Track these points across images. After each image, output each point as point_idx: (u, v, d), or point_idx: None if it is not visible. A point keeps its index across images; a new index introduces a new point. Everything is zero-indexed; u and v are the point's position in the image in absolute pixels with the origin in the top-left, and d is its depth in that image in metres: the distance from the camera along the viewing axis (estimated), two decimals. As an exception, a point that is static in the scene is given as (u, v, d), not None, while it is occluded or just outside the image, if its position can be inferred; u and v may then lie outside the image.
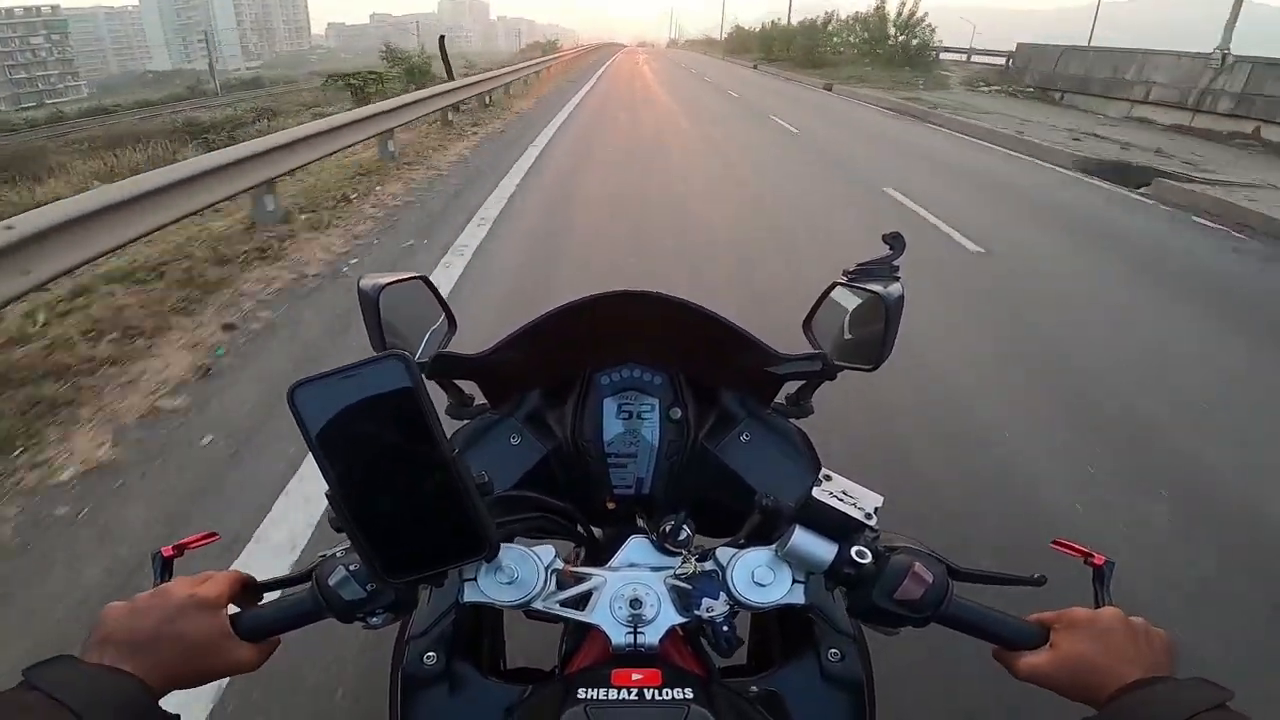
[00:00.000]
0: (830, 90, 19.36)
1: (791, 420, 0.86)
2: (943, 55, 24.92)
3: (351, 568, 0.50)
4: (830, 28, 30.77)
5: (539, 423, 0.83)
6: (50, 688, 0.40)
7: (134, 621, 0.46)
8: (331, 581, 0.50)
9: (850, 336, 0.78)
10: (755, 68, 30.94)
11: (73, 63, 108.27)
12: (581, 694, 0.48)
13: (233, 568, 0.54)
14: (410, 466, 0.43)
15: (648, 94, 17.81)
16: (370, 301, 0.68)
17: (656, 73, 28.27)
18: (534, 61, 19.98)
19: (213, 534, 0.59)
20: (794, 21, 43.01)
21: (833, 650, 0.64)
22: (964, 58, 24.46)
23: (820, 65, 24.94)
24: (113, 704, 0.41)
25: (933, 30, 24.04)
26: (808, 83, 21.97)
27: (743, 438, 0.81)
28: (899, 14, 24.36)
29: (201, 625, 0.48)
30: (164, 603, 0.48)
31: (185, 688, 0.48)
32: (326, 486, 0.43)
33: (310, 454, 0.42)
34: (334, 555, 0.53)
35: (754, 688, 0.62)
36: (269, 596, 0.57)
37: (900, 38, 24.47)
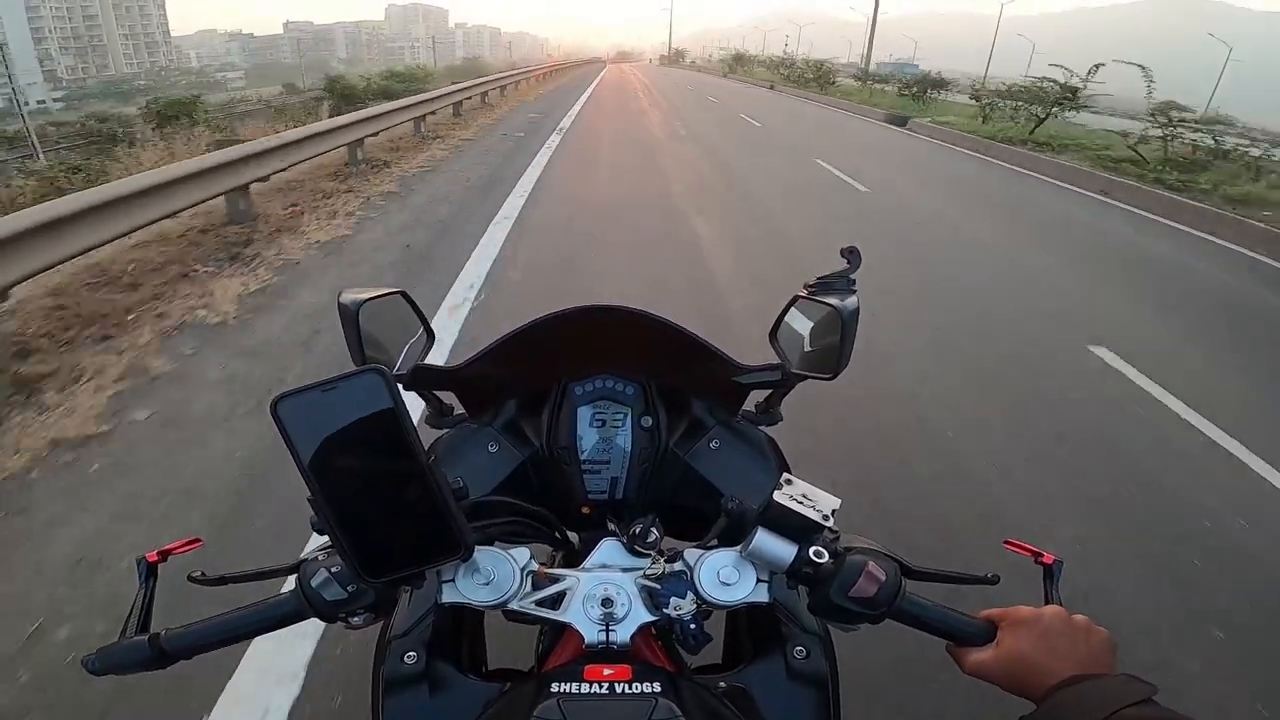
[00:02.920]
0: None
1: (761, 427, 0.88)
2: None
3: (333, 569, 0.52)
4: None
5: (516, 431, 0.85)
6: None
7: None
8: (314, 583, 0.52)
9: (811, 347, 0.80)
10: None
11: None
12: (555, 688, 0.50)
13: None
14: (388, 473, 0.45)
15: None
16: (350, 316, 0.69)
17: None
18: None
19: (195, 540, 0.60)
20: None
21: (799, 648, 0.67)
22: None
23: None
24: None
25: None
26: None
27: (712, 444, 0.84)
28: None
29: None
30: None
31: None
32: (309, 493, 0.44)
33: (293, 456, 0.43)
34: (315, 558, 0.54)
35: (722, 684, 0.64)
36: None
37: None
